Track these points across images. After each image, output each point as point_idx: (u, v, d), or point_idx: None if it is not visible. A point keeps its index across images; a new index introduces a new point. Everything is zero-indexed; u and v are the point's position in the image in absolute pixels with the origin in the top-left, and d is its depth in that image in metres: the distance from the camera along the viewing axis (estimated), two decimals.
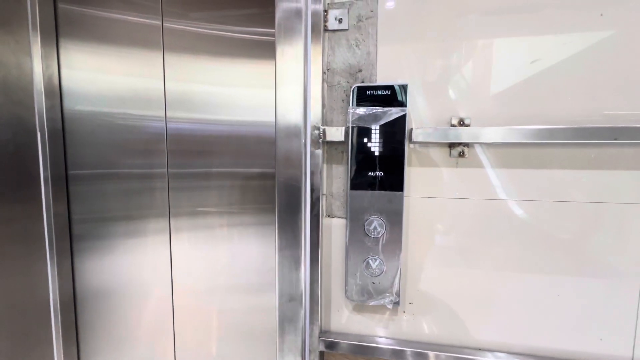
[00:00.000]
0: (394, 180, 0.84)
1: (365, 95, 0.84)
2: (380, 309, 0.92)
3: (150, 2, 0.98)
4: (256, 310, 1.05)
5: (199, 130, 1.01)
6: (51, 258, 1.06)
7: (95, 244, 1.11)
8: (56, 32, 1.03)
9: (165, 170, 1.04)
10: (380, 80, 0.86)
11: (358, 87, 0.84)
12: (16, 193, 1.01)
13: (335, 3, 0.86)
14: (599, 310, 0.82)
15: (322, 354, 0.95)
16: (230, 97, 0.98)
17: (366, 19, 0.85)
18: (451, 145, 0.84)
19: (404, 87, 0.82)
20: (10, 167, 0.99)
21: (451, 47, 0.82)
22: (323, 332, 0.95)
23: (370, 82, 0.86)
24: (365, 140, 0.84)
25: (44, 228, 1.05)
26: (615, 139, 0.73)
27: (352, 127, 0.84)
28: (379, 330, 0.93)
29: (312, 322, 0.92)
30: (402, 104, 0.82)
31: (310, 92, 0.84)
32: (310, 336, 0.92)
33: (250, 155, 0.99)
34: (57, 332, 1.10)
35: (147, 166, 1.05)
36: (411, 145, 0.86)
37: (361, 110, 0.83)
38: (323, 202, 0.92)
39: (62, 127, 1.06)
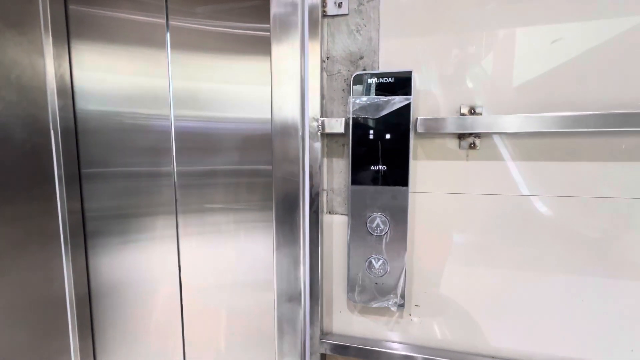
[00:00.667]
0: (398, 175, 0.78)
1: (367, 84, 0.79)
2: (385, 311, 0.87)
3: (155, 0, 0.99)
4: (263, 305, 1.03)
5: (205, 128, 1.00)
6: (66, 254, 1.09)
7: (107, 240, 1.13)
8: (67, 32, 1.05)
9: (172, 168, 1.05)
10: (383, 68, 0.80)
11: (359, 75, 0.79)
12: (32, 191, 1.04)
13: None
14: (631, 317, 0.73)
15: (323, 356, 0.91)
16: (235, 93, 0.97)
17: (367, 2, 0.79)
18: (461, 136, 0.77)
19: (408, 75, 0.76)
20: (26, 166, 1.02)
21: (461, 29, 0.75)
22: (324, 334, 0.91)
23: (372, 70, 0.81)
24: (367, 131, 0.79)
25: (59, 225, 1.08)
26: None
27: (353, 118, 0.79)
28: (384, 334, 0.88)
29: (312, 323, 0.88)
30: (406, 93, 0.76)
31: (308, 81, 0.80)
32: (311, 338, 0.88)
33: (256, 152, 0.98)
34: (72, 325, 1.13)
35: (154, 164, 1.06)
36: (416, 137, 0.80)
37: (362, 99, 0.78)
38: (323, 198, 0.87)
39: (74, 126, 1.08)
